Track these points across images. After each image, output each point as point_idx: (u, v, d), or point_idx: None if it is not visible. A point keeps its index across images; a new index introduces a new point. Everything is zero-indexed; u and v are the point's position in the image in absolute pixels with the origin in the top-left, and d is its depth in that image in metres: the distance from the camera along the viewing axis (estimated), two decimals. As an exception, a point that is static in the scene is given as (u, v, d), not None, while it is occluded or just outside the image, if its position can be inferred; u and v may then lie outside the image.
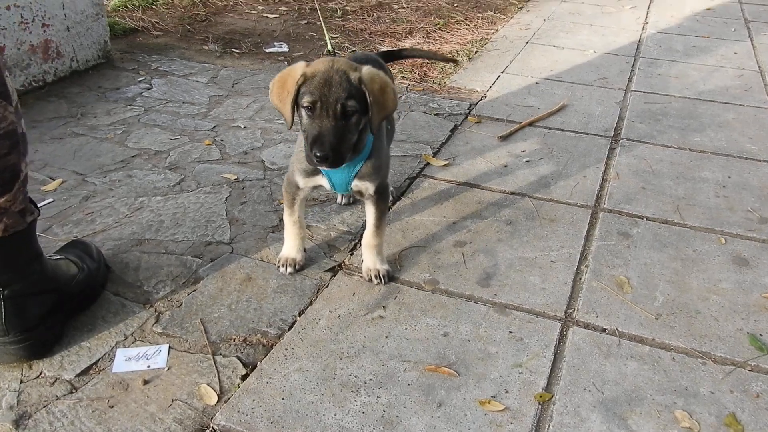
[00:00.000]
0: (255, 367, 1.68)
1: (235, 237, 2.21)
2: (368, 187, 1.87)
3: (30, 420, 1.52)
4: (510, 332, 1.82)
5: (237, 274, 2.03)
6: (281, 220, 2.30)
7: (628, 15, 5.26)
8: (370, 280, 1.98)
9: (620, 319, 1.88)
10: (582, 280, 2.05)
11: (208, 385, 1.63)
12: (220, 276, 2.02)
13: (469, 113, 3.27)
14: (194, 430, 1.50)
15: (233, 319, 1.84)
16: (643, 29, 4.86)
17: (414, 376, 1.66)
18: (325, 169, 1.76)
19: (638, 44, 4.50)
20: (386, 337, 1.79)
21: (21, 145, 1.56)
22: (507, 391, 1.62)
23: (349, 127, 1.64)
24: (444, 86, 3.63)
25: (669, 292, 2.01)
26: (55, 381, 1.63)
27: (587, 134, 3.09)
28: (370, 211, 1.96)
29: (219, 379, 1.65)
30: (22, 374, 1.65)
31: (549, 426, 1.53)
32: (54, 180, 2.52)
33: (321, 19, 2.32)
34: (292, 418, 1.53)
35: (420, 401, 1.59)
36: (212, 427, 1.51)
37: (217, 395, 1.60)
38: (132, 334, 1.79)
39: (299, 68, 1.67)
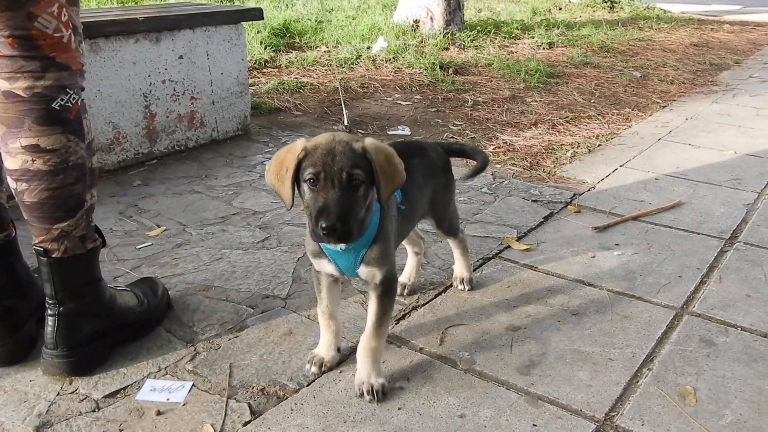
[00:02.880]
0: (260, 415, 1.69)
1: (292, 293, 2.29)
2: (375, 274, 1.70)
3: (50, 429, 1.65)
4: (534, 425, 1.67)
5: (280, 327, 2.08)
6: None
7: (788, 119, 4.81)
8: (361, 395, 1.73)
9: None
10: (639, 383, 1.83)
11: (212, 425, 1.66)
12: (265, 327, 2.09)
13: (570, 202, 3.14)
14: (182, 464, 1.53)
15: (259, 368, 1.88)
16: (801, 133, 4.41)
17: (413, 452, 1.57)
18: (332, 246, 1.63)
19: (791, 148, 4.08)
20: (399, 408, 1.72)
21: (88, 177, 1.78)
22: (506, 485, 1.47)
23: (357, 199, 1.52)
24: (553, 175, 3.54)
25: (743, 412, 1.73)
26: (85, 398, 1.76)
27: (698, 234, 2.82)
28: (371, 307, 1.75)
29: (223, 422, 1.67)
30: (61, 388, 1.80)
31: None
32: (159, 227, 2.80)
33: (341, 94, 2.02)
34: (274, 470, 1.50)
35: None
36: (198, 465, 1.53)
37: (215, 437, 1.62)
38: (165, 368, 1.89)
39: (299, 144, 1.57)
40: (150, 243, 2.66)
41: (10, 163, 1.69)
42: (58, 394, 1.78)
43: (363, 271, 1.70)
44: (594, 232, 2.82)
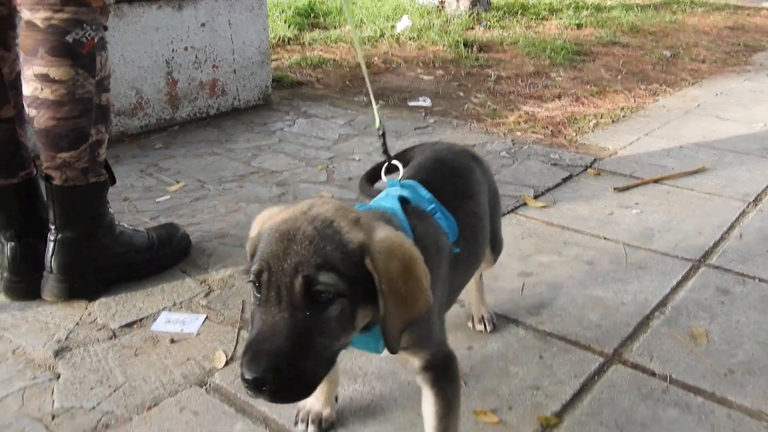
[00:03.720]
0: (270, 344, 1.72)
1: (306, 242, 2.31)
2: (411, 360, 1.18)
3: (68, 353, 1.70)
4: (541, 357, 1.67)
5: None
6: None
7: (820, 94, 4.69)
8: None
9: (679, 367, 1.63)
10: (650, 324, 1.82)
11: (224, 351, 1.69)
12: (278, 270, 2.11)
13: (590, 166, 3.11)
14: (193, 384, 1.57)
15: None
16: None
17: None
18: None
19: (822, 120, 3.98)
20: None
21: (95, 113, 1.82)
22: (510, 408, 1.47)
23: (320, 326, 0.95)
24: (574, 142, 3.51)
25: (755, 352, 1.70)
26: (102, 328, 1.81)
27: (721, 196, 2.77)
28: (427, 404, 1.21)
29: (235, 348, 1.71)
30: (80, 318, 1.85)
31: (543, 450, 1.36)
32: (178, 183, 2.84)
33: (366, 75, 1.57)
34: (281, 390, 1.53)
35: (408, 395, 1.50)
36: (208, 384, 1.56)
37: (226, 361, 1.65)
38: (180, 303, 1.93)
39: (264, 215, 1.09)
40: (168, 197, 2.70)
41: (24, 89, 1.76)
42: (77, 323, 1.83)
43: (395, 356, 1.11)
44: (613, 193, 2.79)
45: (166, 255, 2.09)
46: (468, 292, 1.74)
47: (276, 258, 0.95)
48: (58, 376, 1.61)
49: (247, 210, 2.57)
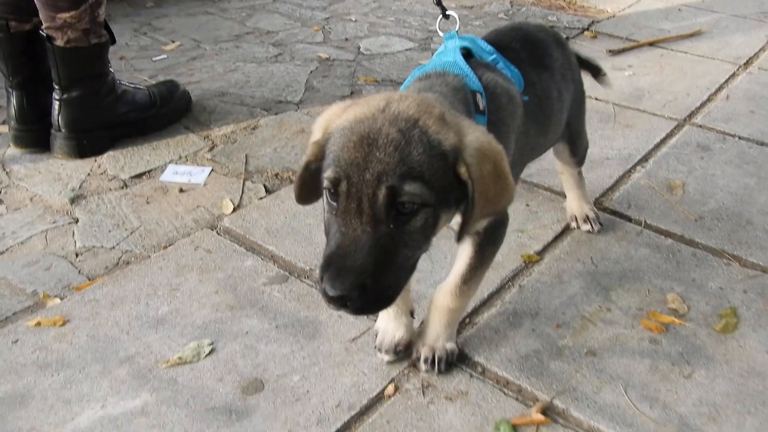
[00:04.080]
0: (274, 192, 1.83)
1: (305, 99, 2.37)
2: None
3: (83, 200, 1.81)
4: (527, 205, 1.79)
5: (293, 126, 2.18)
6: (352, 92, 2.41)
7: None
8: (417, 360, 1.26)
9: (654, 214, 1.76)
10: (631, 177, 1.93)
11: (230, 200, 1.80)
12: (278, 125, 2.19)
13: (587, 28, 3.10)
14: (203, 227, 1.69)
15: (273, 158, 2.00)
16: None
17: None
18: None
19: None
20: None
21: None
22: (496, 248, 1.61)
23: (405, 237, 0.92)
24: (573, 4, 3.46)
25: (726, 201, 1.83)
26: (113, 178, 1.91)
27: (713, 59, 2.80)
28: (463, 253, 1.20)
29: (241, 197, 1.82)
30: (90, 170, 1.94)
31: (525, 280, 1.51)
32: (173, 42, 2.84)
33: None
34: (286, 232, 1.66)
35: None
36: (218, 227, 1.69)
37: (234, 208, 1.77)
38: (186, 156, 2.02)
39: (330, 113, 1.00)
40: (165, 56, 2.71)
41: None
42: (88, 174, 1.92)
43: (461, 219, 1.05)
44: (608, 55, 2.82)
45: (168, 111, 2.15)
46: (567, 191, 1.70)
47: (356, 166, 0.87)
48: (77, 221, 1.73)
49: (244, 69, 2.60)
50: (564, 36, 1.65)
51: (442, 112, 0.94)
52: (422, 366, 1.25)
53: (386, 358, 1.27)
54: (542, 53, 1.36)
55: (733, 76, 2.65)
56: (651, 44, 2.95)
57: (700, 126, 2.24)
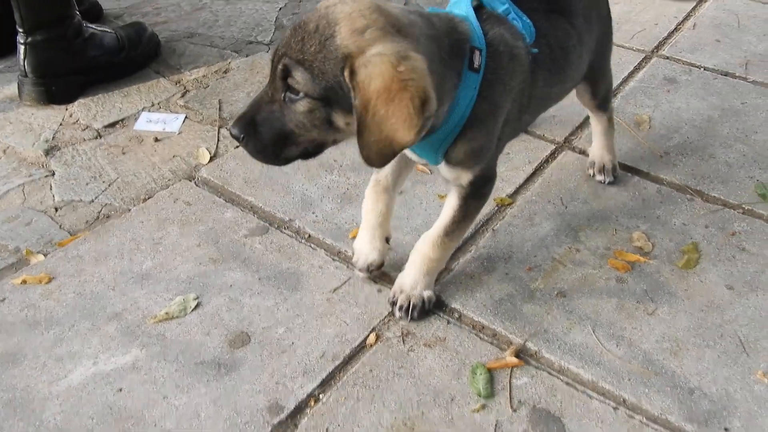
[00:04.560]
0: (249, 140, 1.84)
1: (275, 39, 2.33)
2: (461, 176, 1.22)
3: (58, 152, 1.80)
4: (507, 153, 1.83)
5: (265, 69, 2.16)
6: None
7: None
8: (393, 304, 1.33)
9: (621, 151, 1.81)
10: (600, 114, 1.97)
11: (207, 149, 1.81)
12: (250, 68, 2.16)
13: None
14: (181, 178, 1.71)
15: (247, 102, 1.99)
16: None
17: (389, 168, 1.74)
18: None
19: None
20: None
21: None
22: (470, 191, 1.66)
23: (290, 115, 1.05)
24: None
25: (690, 135, 1.89)
26: (86, 128, 1.90)
27: (682, -15, 2.80)
28: (449, 204, 1.28)
29: (217, 146, 1.83)
30: (62, 119, 1.92)
31: (498, 224, 1.57)
32: (135, -22, 2.73)
33: None
34: (264, 181, 1.69)
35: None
36: (196, 178, 1.71)
37: (210, 157, 1.78)
38: (158, 103, 2.00)
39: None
40: (128, -7, 2.62)
41: None
42: (60, 124, 1.90)
43: (445, 170, 1.22)
44: (578, -17, 2.79)
45: (138, 55, 2.12)
46: (593, 136, 1.69)
47: (281, 43, 1.03)
48: (53, 173, 1.73)
49: (212, 7, 2.54)
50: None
51: (368, 26, 0.98)
52: (397, 313, 1.32)
53: (360, 275, 1.41)
54: None
55: (699, 3, 2.66)
56: (622, -30, 2.92)
57: (667, 57, 2.27)
